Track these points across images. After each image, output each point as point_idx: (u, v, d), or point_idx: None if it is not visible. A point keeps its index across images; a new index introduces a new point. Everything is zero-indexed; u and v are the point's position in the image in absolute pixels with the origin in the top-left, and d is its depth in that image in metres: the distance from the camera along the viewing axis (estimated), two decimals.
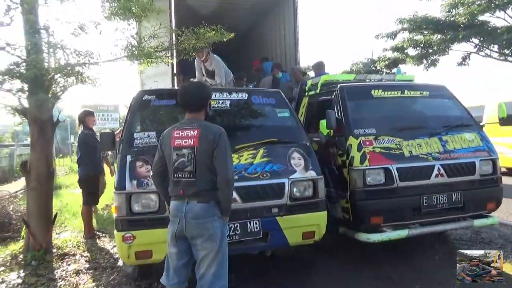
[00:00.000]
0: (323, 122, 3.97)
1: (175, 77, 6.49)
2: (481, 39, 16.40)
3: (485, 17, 16.60)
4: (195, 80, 6.23)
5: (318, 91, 4.71)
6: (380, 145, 3.81)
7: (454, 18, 16.73)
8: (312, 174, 3.44)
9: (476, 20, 16.38)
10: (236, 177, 3.12)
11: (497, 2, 15.91)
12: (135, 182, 3.03)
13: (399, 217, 3.73)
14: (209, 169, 2.30)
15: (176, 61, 6.41)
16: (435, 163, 3.84)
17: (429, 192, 3.78)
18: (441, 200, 3.82)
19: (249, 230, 3.14)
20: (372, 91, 4.22)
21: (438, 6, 19.44)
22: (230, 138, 2.42)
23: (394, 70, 16.38)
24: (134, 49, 4.38)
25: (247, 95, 3.88)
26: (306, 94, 5.02)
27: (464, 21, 16.24)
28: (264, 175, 3.28)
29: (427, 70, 18.59)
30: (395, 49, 19.07)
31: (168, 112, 3.72)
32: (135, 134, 3.38)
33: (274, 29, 8.29)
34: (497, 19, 16.60)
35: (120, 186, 3.03)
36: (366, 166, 3.68)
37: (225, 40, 5.73)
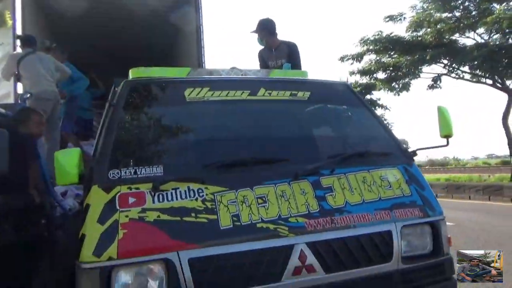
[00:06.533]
0: None
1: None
2: (450, 59, 14.92)
3: (454, 36, 15.30)
4: None
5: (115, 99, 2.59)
6: (161, 205, 1.64)
7: (421, 37, 15.36)
8: None
9: (445, 39, 15.00)
10: None
11: (466, 22, 14.61)
12: None
13: None
14: None
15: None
16: (296, 240, 1.69)
17: None
18: None
19: None
20: (186, 91, 2.11)
21: (403, 28, 18.23)
22: None
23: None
24: None
25: None
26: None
27: (431, 39, 14.86)
28: None
29: (399, 94, 17.05)
30: (362, 72, 17.35)
31: None
32: None
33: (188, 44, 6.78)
34: (467, 39, 15.31)
35: None
36: (111, 259, 1.50)
37: None
